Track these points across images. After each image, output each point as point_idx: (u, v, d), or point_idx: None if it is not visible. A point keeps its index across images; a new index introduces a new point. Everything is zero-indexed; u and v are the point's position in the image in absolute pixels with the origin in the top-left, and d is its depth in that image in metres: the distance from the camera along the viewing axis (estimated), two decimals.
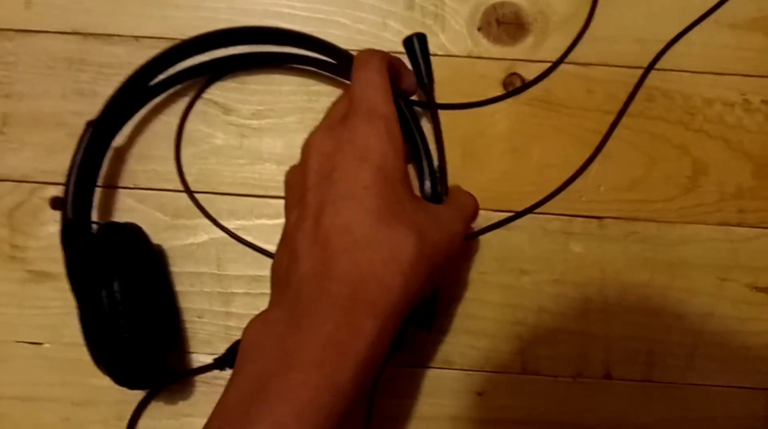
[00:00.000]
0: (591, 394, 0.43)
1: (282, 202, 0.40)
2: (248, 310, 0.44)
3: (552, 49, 0.46)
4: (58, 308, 0.45)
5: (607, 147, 0.45)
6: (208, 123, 0.46)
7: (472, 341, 0.43)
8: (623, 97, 0.45)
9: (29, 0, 0.47)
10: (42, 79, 0.46)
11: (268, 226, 0.45)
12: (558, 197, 0.44)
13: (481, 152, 0.45)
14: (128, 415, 0.43)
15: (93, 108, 0.44)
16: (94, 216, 0.45)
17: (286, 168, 0.41)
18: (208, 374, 0.41)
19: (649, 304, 0.44)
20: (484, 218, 0.44)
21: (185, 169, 0.46)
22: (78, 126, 0.43)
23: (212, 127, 0.46)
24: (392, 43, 0.46)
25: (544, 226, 0.44)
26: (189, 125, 0.46)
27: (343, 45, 0.45)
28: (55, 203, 0.46)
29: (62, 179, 0.44)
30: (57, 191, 0.46)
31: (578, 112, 0.45)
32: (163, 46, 0.45)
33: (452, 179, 0.42)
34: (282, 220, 0.39)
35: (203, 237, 0.45)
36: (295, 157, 0.43)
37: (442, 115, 0.45)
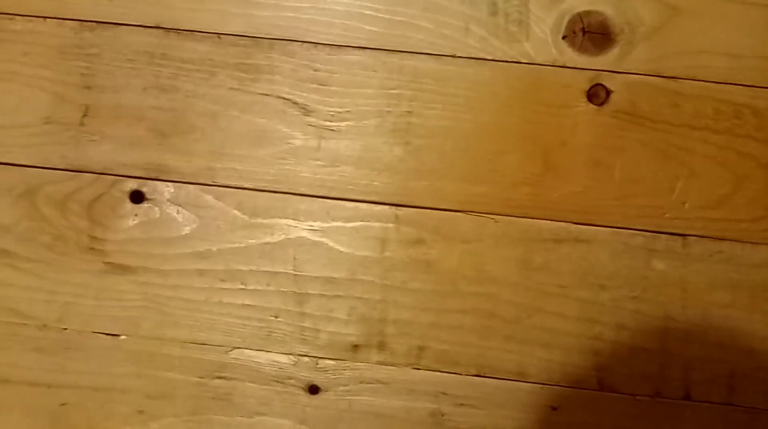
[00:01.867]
0: (670, 414, 0.42)
1: (357, 204, 0.40)
2: (323, 312, 0.44)
3: (638, 61, 0.45)
4: (135, 301, 0.45)
5: (693, 163, 0.44)
6: (287, 123, 0.46)
7: (548, 355, 0.43)
8: (711, 113, 0.44)
9: None
10: (123, 72, 0.46)
11: (344, 228, 0.45)
12: (642, 213, 0.43)
13: (563, 163, 0.44)
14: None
15: (174, 103, 0.45)
16: (173, 210, 0.45)
17: (364, 171, 0.41)
18: (282, 374, 0.42)
19: (731, 326, 0.43)
20: (565, 231, 0.44)
21: (263, 169, 0.45)
22: (158, 121, 0.43)
23: (291, 127, 0.46)
24: (475, 48, 0.45)
25: (626, 242, 0.44)
26: (268, 124, 0.45)
27: (425, 50, 0.45)
28: (135, 197, 0.46)
29: (142, 173, 0.44)
30: (137, 185, 0.46)
31: (664, 127, 0.44)
32: (245, 43, 0.45)
33: (532, 189, 0.42)
34: (359, 223, 0.39)
35: (280, 236, 0.45)
36: (372, 160, 0.43)
37: (524, 121, 0.44)
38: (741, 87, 0.45)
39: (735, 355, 0.42)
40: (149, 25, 0.47)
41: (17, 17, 0.47)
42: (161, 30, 0.47)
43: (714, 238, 0.44)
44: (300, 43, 0.46)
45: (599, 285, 0.43)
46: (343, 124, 0.46)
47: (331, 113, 0.46)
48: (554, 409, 0.42)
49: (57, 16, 0.47)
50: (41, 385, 0.45)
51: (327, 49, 0.46)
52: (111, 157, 0.46)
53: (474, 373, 0.43)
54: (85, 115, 0.46)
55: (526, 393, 0.43)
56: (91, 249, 0.45)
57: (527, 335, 0.43)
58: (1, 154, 0.46)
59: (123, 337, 0.44)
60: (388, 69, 0.46)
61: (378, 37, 0.46)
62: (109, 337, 0.44)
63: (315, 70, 0.46)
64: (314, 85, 0.46)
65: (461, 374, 0.43)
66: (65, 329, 0.45)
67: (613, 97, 0.45)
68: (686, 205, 0.44)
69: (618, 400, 0.42)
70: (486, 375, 0.43)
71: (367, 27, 0.46)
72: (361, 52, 0.46)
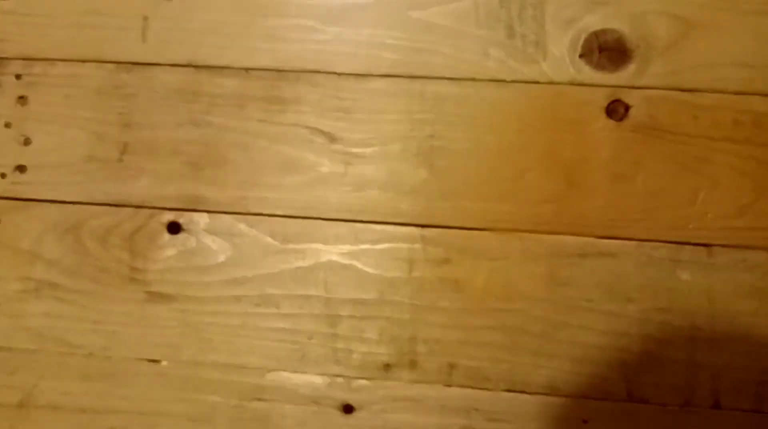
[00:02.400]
0: (700, 423, 0.43)
1: (384, 227, 0.44)
2: (354, 332, 0.46)
3: (655, 75, 0.46)
4: (175, 328, 0.47)
5: (714, 174, 0.44)
6: (314, 151, 0.47)
7: (577, 368, 0.44)
8: (730, 123, 0.44)
9: (145, 34, 0.49)
10: (158, 109, 0.49)
11: (372, 251, 0.46)
12: (665, 225, 0.44)
13: (585, 179, 0.45)
14: None
15: (206, 137, 0.47)
16: (209, 240, 0.47)
17: (390, 194, 0.43)
18: (317, 394, 0.43)
19: (759, 334, 0.43)
20: (590, 245, 0.45)
21: (293, 196, 0.47)
22: (192, 154, 0.45)
23: (319, 155, 0.47)
24: (494, 71, 0.47)
25: (651, 254, 0.44)
26: (296, 153, 0.47)
27: (446, 75, 0.46)
28: (173, 228, 0.48)
29: (179, 205, 0.46)
30: (174, 216, 0.48)
31: (683, 139, 0.45)
32: (272, 77, 0.47)
33: (556, 205, 0.43)
34: (387, 245, 0.43)
35: (311, 261, 0.47)
36: (397, 184, 0.44)
37: (545, 139, 0.45)
38: (759, 96, 0.45)
39: (763, 363, 0.43)
40: (181, 63, 0.49)
41: (58, 62, 0.50)
42: (192, 68, 0.49)
43: (738, 247, 0.44)
44: (325, 74, 0.48)
45: (626, 297, 0.44)
46: (368, 149, 0.47)
47: (357, 140, 0.48)
48: (585, 422, 0.43)
49: (95, 59, 0.50)
50: (89, 411, 0.47)
51: (351, 78, 0.48)
52: (149, 191, 0.48)
53: (504, 388, 0.44)
54: (123, 152, 0.49)
55: (556, 407, 0.43)
56: (133, 279, 0.47)
57: (556, 350, 0.44)
58: (47, 191, 0.49)
59: (164, 362, 0.46)
60: (410, 95, 0.47)
61: (399, 64, 0.48)
62: (152, 363, 0.46)
63: (340, 99, 0.48)
64: (339, 114, 0.48)
65: (492, 390, 0.44)
66: (110, 357, 0.47)
67: (632, 112, 0.46)
68: (709, 215, 0.45)
69: (648, 411, 0.43)
70: (516, 390, 0.44)
71: (388, 55, 0.48)
72: (383, 80, 0.48)
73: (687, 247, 0.44)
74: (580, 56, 0.47)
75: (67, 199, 0.49)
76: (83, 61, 0.50)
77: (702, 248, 0.44)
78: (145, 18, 0.50)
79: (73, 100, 0.50)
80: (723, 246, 0.44)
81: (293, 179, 0.47)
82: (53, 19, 0.50)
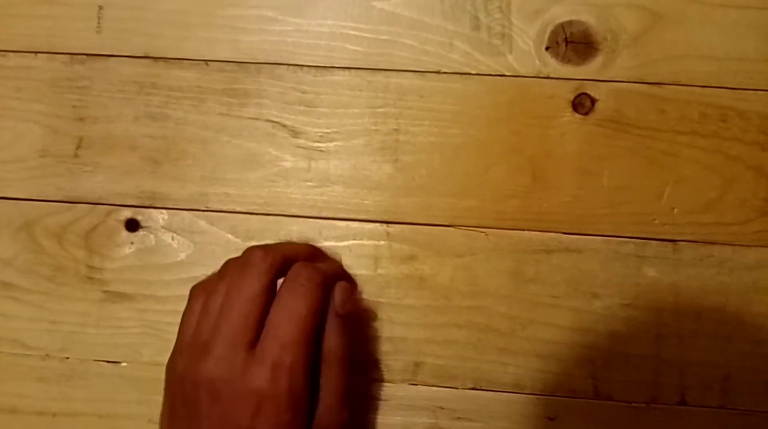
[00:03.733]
0: (665, 420, 0.43)
1: (349, 223, 0.45)
2: None
3: (622, 68, 0.45)
4: (134, 328, 0.46)
5: (680, 168, 0.44)
6: (277, 146, 0.46)
7: (543, 365, 0.43)
8: (697, 117, 0.44)
9: (100, 24, 0.48)
10: (114, 102, 0.47)
11: (337, 247, 0.45)
12: (631, 220, 0.44)
13: (551, 174, 0.45)
14: None
15: (165, 131, 0.45)
16: (168, 237, 0.45)
17: (354, 190, 0.44)
18: None
19: (725, 330, 0.43)
20: (556, 241, 0.44)
21: (254, 192, 0.46)
22: (150, 149, 0.44)
23: (281, 149, 0.46)
24: (459, 63, 0.46)
25: (617, 250, 0.44)
26: (258, 148, 0.46)
27: (410, 67, 0.46)
28: (130, 225, 0.47)
29: (137, 201, 0.45)
30: (131, 213, 0.47)
31: (650, 133, 0.44)
32: (232, 69, 0.46)
33: (521, 201, 0.44)
34: (351, 242, 0.45)
35: None
36: (361, 179, 0.43)
37: (511, 134, 0.45)
38: (725, 90, 0.45)
39: (729, 359, 0.43)
40: (138, 55, 0.48)
41: (9, 53, 0.48)
42: (150, 59, 0.48)
43: (704, 243, 0.44)
44: (286, 66, 0.47)
45: (591, 294, 0.44)
46: (331, 144, 0.46)
47: (320, 134, 0.47)
48: (551, 419, 0.43)
49: (49, 51, 0.48)
50: (47, 414, 0.45)
51: (313, 71, 0.47)
52: (106, 187, 0.47)
53: (470, 386, 0.44)
54: (78, 147, 0.47)
55: (523, 404, 0.43)
56: (90, 278, 0.46)
57: (522, 347, 0.44)
58: (0, 188, 0.47)
59: (124, 363, 0.45)
60: (374, 88, 0.47)
61: (362, 56, 0.47)
62: (111, 364, 0.45)
63: (302, 92, 0.47)
64: (302, 107, 0.47)
65: (458, 388, 0.44)
66: (67, 358, 0.46)
67: (598, 105, 0.45)
68: (675, 210, 0.44)
69: (614, 408, 0.43)
70: (482, 388, 0.44)
71: (351, 47, 0.47)
72: (346, 72, 0.47)
73: (653, 242, 0.44)
74: (546, 49, 0.46)
75: (21, 196, 0.47)
76: (36, 53, 0.48)
77: (668, 244, 0.44)
78: (100, 7, 0.48)
79: (25, 93, 0.48)
80: (689, 241, 0.44)
81: (255, 175, 0.46)
82: (5, 8, 0.49)
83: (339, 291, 0.37)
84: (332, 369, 0.36)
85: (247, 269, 0.35)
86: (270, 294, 0.35)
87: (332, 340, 0.36)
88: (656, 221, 0.44)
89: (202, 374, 0.34)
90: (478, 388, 0.44)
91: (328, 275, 0.36)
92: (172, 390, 0.36)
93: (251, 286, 0.35)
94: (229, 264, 0.37)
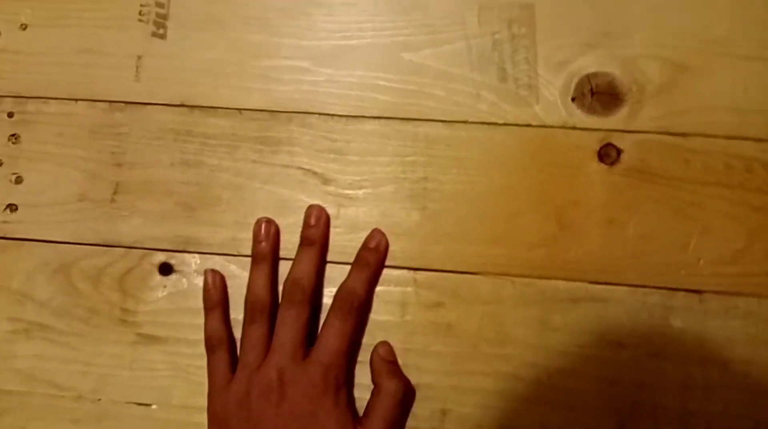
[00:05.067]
0: None
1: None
2: None
3: (647, 119, 0.46)
4: (166, 371, 0.47)
5: (706, 219, 0.44)
6: (307, 193, 0.47)
7: (569, 415, 0.44)
8: (722, 168, 0.45)
9: (138, 73, 0.49)
10: (151, 149, 0.49)
11: None
12: (657, 270, 0.44)
13: (577, 223, 0.45)
14: None
15: (199, 177, 0.47)
16: (200, 281, 0.47)
17: None
18: None
19: (752, 382, 0.43)
20: (582, 290, 0.45)
21: (287, 238, 0.47)
22: (185, 194, 0.45)
23: (311, 196, 0.47)
24: (486, 113, 0.47)
25: (643, 300, 0.44)
26: (289, 194, 0.47)
27: (438, 117, 0.47)
28: (164, 269, 0.48)
29: (170, 246, 0.46)
30: (166, 257, 0.48)
31: (675, 183, 0.45)
32: (264, 117, 0.47)
33: (548, 250, 0.45)
34: (379, 288, 0.47)
35: None
36: (390, 226, 0.46)
37: (537, 183, 0.46)
38: (750, 141, 0.45)
39: (756, 412, 0.43)
40: (174, 103, 0.49)
41: (51, 100, 0.50)
42: (186, 107, 0.49)
43: (730, 294, 0.44)
44: (317, 115, 0.48)
45: (617, 343, 0.44)
46: (360, 191, 0.47)
47: (349, 182, 0.48)
48: None
49: (88, 98, 0.50)
50: None
51: (343, 119, 0.48)
52: (141, 231, 0.48)
53: None
54: (116, 192, 0.49)
55: None
56: (124, 321, 0.47)
57: (548, 396, 0.44)
58: (39, 231, 0.49)
59: (154, 406, 0.46)
60: (403, 137, 0.48)
61: (392, 106, 0.48)
62: (142, 407, 0.46)
63: (332, 141, 0.48)
64: (332, 155, 0.48)
65: None
66: (100, 400, 0.47)
67: (623, 156, 0.46)
68: (701, 261, 0.45)
69: None
70: None
71: (380, 97, 0.48)
72: (375, 121, 0.48)
73: (679, 293, 0.44)
74: (572, 99, 0.47)
75: (59, 239, 0.49)
76: (76, 100, 0.50)
77: (694, 294, 0.44)
78: (139, 57, 0.50)
79: (65, 139, 0.50)
80: (715, 292, 0.44)
81: (286, 220, 0.47)
82: (46, 57, 0.50)
83: (383, 347, 0.46)
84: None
85: (293, 305, 0.45)
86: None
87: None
88: (682, 272, 0.44)
89: (265, 380, 0.43)
90: None
91: (363, 300, 0.45)
92: (228, 409, 0.43)
93: (300, 317, 0.44)
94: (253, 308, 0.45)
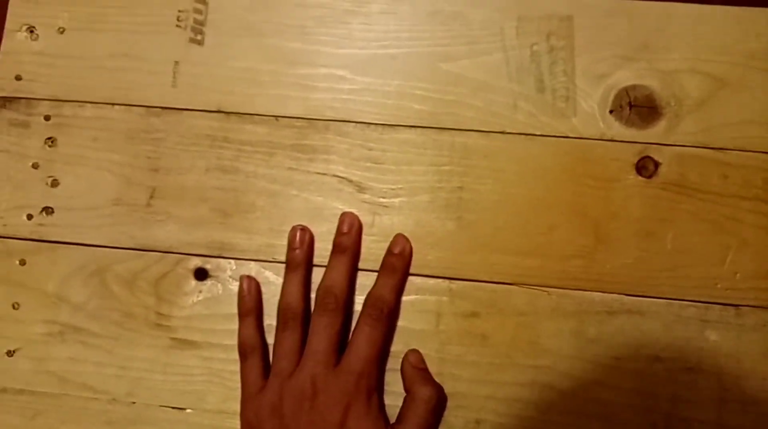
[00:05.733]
0: None
1: (412, 278, 0.47)
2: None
3: (685, 133, 0.46)
4: (200, 375, 0.47)
5: (743, 233, 0.44)
6: (342, 200, 0.47)
7: (605, 426, 0.44)
8: (761, 183, 0.45)
9: (176, 79, 0.50)
10: (187, 154, 0.49)
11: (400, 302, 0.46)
12: (694, 284, 0.44)
13: (614, 235, 0.45)
14: None
15: (235, 184, 0.47)
16: (235, 286, 0.47)
17: (417, 246, 0.47)
18: None
19: None
20: (618, 302, 0.45)
21: (321, 245, 0.47)
22: (220, 200, 0.46)
23: (347, 204, 0.47)
24: (523, 124, 0.47)
25: (679, 313, 0.44)
26: (325, 202, 0.47)
27: (475, 127, 0.47)
28: (199, 274, 0.48)
29: (206, 251, 0.46)
30: (201, 262, 0.48)
31: (713, 198, 0.45)
32: (301, 125, 0.48)
33: (584, 261, 0.46)
34: (414, 297, 0.47)
35: None
36: (425, 235, 0.46)
37: (574, 195, 0.47)
38: None
39: None
40: (211, 109, 0.50)
41: (87, 104, 0.50)
42: (222, 114, 0.49)
43: (767, 308, 0.44)
44: (354, 123, 0.49)
45: (653, 356, 0.44)
46: (396, 200, 0.48)
47: (385, 190, 0.48)
48: None
49: (125, 103, 0.50)
50: None
51: (380, 128, 0.48)
52: (176, 236, 0.48)
53: None
54: (151, 197, 0.49)
55: None
56: (158, 325, 0.47)
57: (584, 408, 0.44)
58: (75, 234, 0.49)
59: (189, 410, 0.46)
60: (439, 146, 0.48)
61: (428, 116, 0.48)
62: (176, 410, 0.46)
63: (368, 149, 0.48)
64: (368, 164, 0.48)
65: None
66: (134, 403, 0.47)
67: (661, 169, 0.46)
68: (738, 275, 0.45)
69: None
70: None
71: (417, 106, 0.48)
72: (412, 130, 0.48)
73: (715, 306, 0.44)
74: (611, 112, 0.47)
75: (94, 243, 0.49)
76: (113, 104, 0.50)
77: (730, 308, 0.44)
78: (176, 63, 0.50)
79: (101, 143, 0.50)
80: (751, 306, 0.44)
81: (321, 228, 0.48)
82: (83, 61, 0.51)
83: (413, 355, 0.47)
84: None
85: (326, 314, 0.45)
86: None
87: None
88: (719, 286, 0.44)
89: (298, 387, 0.43)
90: None
91: (392, 307, 0.45)
92: (261, 416, 0.43)
93: (333, 325, 0.44)
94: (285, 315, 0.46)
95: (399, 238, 0.46)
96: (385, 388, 0.46)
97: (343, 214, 0.47)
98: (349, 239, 0.46)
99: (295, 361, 0.43)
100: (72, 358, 0.48)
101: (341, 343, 0.44)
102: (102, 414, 0.47)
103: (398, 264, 0.45)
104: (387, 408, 0.45)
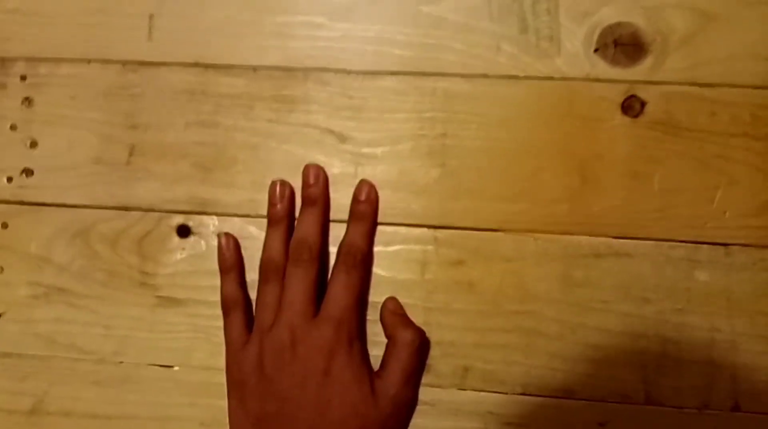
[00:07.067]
0: (718, 426, 0.42)
1: (396, 228, 0.46)
2: (368, 336, 0.45)
3: (672, 70, 0.45)
4: (186, 332, 0.47)
5: (732, 171, 0.43)
6: (325, 152, 0.47)
7: (594, 370, 0.43)
8: (749, 119, 0.44)
9: (151, 33, 0.49)
10: (166, 110, 0.48)
11: (384, 252, 0.46)
12: (682, 224, 0.43)
13: (600, 177, 0.44)
14: None
15: (215, 138, 0.46)
16: (215, 243, 0.46)
17: (401, 195, 0.45)
18: None
19: None
20: (605, 245, 0.44)
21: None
22: (201, 156, 0.45)
23: (329, 155, 0.47)
24: (506, 67, 0.46)
25: (668, 254, 0.43)
26: (307, 154, 0.47)
27: (457, 71, 0.46)
28: (182, 231, 0.47)
29: (188, 208, 0.46)
30: (183, 220, 0.47)
31: (701, 136, 0.44)
32: (280, 75, 0.46)
33: (571, 205, 0.45)
34: (399, 247, 0.46)
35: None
36: (409, 184, 0.45)
37: (559, 137, 0.45)
38: None
39: None
40: (188, 63, 0.48)
41: (63, 62, 0.49)
42: (200, 67, 0.48)
43: (757, 246, 0.43)
44: (333, 71, 0.47)
45: (642, 298, 0.43)
46: (378, 149, 0.47)
47: (367, 139, 0.47)
48: (602, 425, 0.42)
49: (101, 59, 0.49)
50: (101, 417, 0.47)
51: (360, 76, 0.47)
52: (157, 194, 0.48)
53: (520, 391, 0.44)
54: (131, 154, 0.48)
55: (572, 410, 0.43)
56: (143, 283, 0.47)
57: (572, 352, 0.43)
58: (56, 195, 0.48)
59: (176, 368, 0.46)
60: (421, 93, 0.47)
61: (409, 61, 0.47)
62: (163, 368, 0.46)
63: (349, 98, 0.47)
64: (349, 113, 0.47)
65: (507, 393, 0.44)
66: (121, 362, 0.47)
67: (648, 108, 0.45)
68: (727, 214, 0.44)
69: (665, 414, 0.42)
70: (532, 393, 0.44)
71: (398, 52, 0.47)
72: (393, 77, 0.47)
73: (704, 246, 0.44)
74: (595, 51, 0.46)
75: (76, 203, 0.48)
76: (89, 61, 0.49)
77: (720, 247, 0.43)
78: (152, 16, 0.49)
79: (79, 102, 0.49)
80: (741, 245, 0.43)
81: None
82: (58, 18, 0.50)
83: (391, 302, 0.47)
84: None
85: (301, 264, 0.44)
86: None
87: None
88: (708, 225, 0.44)
89: (277, 339, 0.42)
90: (528, 393, 0.44)
91: (365, 253, 0.45)
92: (244, 370, 0.43)
93: (308, 276, 0.44)
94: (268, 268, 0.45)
95: (363, 184, 0.46)
96: (369, 338, 0.45)
97: (307, 166, 0.46)
98: (317, 190, 0.45)
99: (276, 314, 0.43)
100: (58, 319, 0.48)
101: (318, 296, 0.43)
102: (90, 374, 0.47)
103: (366, 210, 0.45)
104: (372, 359, 0.44)
